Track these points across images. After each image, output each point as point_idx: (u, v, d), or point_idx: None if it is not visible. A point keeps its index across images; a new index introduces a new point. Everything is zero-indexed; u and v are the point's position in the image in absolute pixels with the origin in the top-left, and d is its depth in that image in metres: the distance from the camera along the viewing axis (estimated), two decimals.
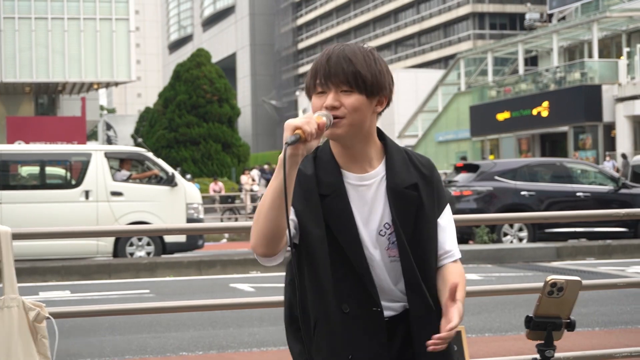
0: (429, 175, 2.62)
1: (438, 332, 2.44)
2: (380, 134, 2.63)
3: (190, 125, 51.97)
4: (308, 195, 2.49)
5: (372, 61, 2.53)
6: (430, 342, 2.41)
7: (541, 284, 2.78)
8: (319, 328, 2.52)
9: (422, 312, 2.56)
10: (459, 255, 2.65)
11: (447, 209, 2.66)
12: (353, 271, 2.51)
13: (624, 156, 32.33)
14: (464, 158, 38.83)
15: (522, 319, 2.85)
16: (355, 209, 2.53)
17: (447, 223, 2.64)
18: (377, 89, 2.52)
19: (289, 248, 2.47)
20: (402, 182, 2.56)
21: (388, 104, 2.60)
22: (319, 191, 2.51)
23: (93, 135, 67.62)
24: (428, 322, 2.54)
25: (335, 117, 2.48)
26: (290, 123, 2.35)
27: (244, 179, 35.54)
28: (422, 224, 2.57)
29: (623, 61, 38.16)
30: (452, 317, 2.42)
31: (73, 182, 14.67)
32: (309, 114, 2.42)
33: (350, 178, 2.54)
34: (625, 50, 39.29)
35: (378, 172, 2.57)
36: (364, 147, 2.56)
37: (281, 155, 2.35)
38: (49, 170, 15.17)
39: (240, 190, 36.43)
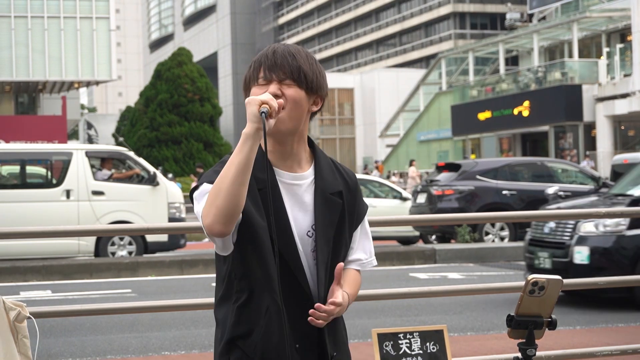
0: (353, 186, 2.68)
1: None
2: (310, 142, 2.66)
3: (172, 124, 51.85)
4: (250, 187, 2.44)
5: (313, 62, 2.60)
6: (311, 311, 2.46)
7: (523, 283, 2.79)
8: (270, 316, 2.50)
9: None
10: (373, 264, 2.73)
11: (365, 221, 2.72)
12: (285, 264, 2.51)
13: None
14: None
15: (504, 317, 2.86)
16: (287, 206, 2.55)
17: (363, 234, 2.71)
18: (316, 87, 2.58)
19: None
20: (329, 187, 2.60)
21: (321, 109, 2.65)
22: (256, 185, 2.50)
23: (74, 135, 67.24)
24: (333, 325, 2.61)
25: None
26: (255, 98, 2.38)
27: None
28: (342, 231, 2.61)
29: (603, 61, 38.34)
30: (337, 295, 2.49)
31: (54, 181, 14.60)
32: (266, 94, 2.42)
33: (283, 176, 2.57)
34: (605, 50, 39.49)
35: (308, 174, 2.60)
36: (296, 147, 2.59)
37: (247, 130, 2.36)
38: (30, 169, 15.05)
39: None
